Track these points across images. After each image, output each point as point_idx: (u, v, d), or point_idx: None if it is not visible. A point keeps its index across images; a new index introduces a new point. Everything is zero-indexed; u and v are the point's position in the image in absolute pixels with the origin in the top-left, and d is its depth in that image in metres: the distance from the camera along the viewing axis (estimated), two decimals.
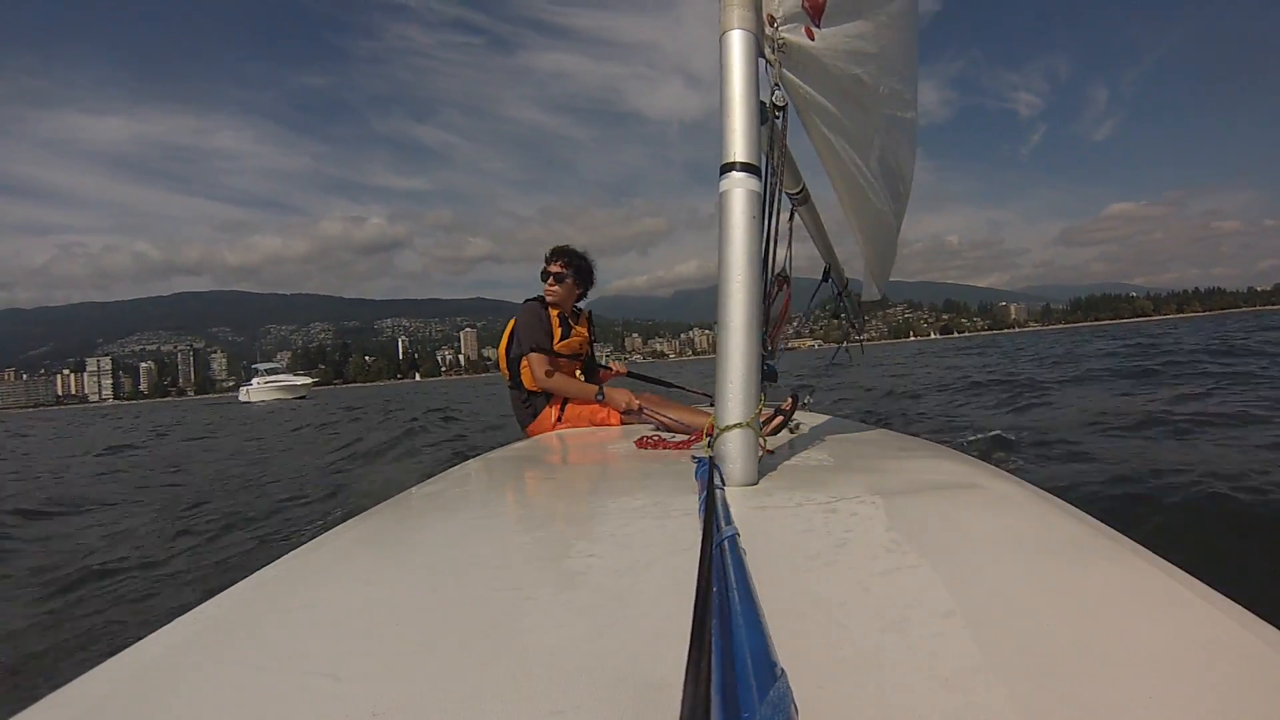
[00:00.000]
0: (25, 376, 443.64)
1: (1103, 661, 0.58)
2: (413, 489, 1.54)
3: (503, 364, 3.84)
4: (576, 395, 3.55)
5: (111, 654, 0.68)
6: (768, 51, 1.48)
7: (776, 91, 1.50)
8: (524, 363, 3.61)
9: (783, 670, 0.51)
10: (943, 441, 3.96)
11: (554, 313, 3.74)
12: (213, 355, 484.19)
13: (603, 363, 4.13)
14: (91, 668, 0.66)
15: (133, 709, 0.59)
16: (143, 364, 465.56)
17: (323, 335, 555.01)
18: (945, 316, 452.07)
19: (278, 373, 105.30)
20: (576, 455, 2.35)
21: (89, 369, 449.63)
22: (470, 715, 0.54)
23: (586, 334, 3.92)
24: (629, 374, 3.97)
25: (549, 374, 3.54)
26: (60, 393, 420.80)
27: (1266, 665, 0.58)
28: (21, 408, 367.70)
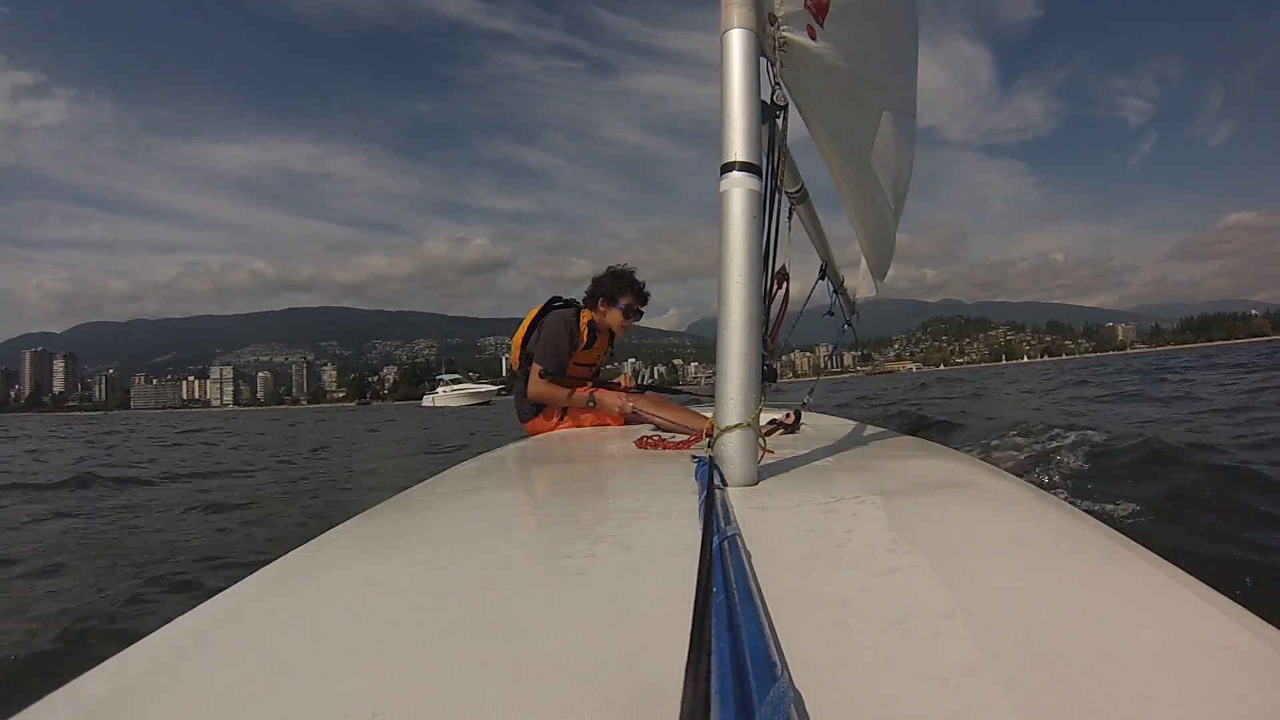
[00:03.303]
0: (155, 381, 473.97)
1: (1102, 661, 0.58)
2: (413, 489, 1.55)
3: (515, 354, 3.84)
4: (570, 405, 3.56)
5: (111, 654, 0.67)
6: (769, 50, 1.49)
7: (777, 91, 1.51)
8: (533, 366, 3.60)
9: (783, 670, 0.52)
10: None
11: (585, 319, 3.73)
12: (323, 368, 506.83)
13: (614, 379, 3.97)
14: (91, 668, 0.65)
15: (133, 709, 0.59)
16: (260, 374, 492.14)
17: (427, 351, 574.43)
18: (1049, 338, 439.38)
19: (460, 383, 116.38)
20: (576, 455, 2.36)
21: (212, 376, 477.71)
22: (470, 715, 0.54)
23: (606, 346, 3.96)
24: (636, 386, 3.86)
25: (544, 391, 3.55)
26: (185, 397, 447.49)
27: (1266, 665, 0.59)
28: (152, 409, 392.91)
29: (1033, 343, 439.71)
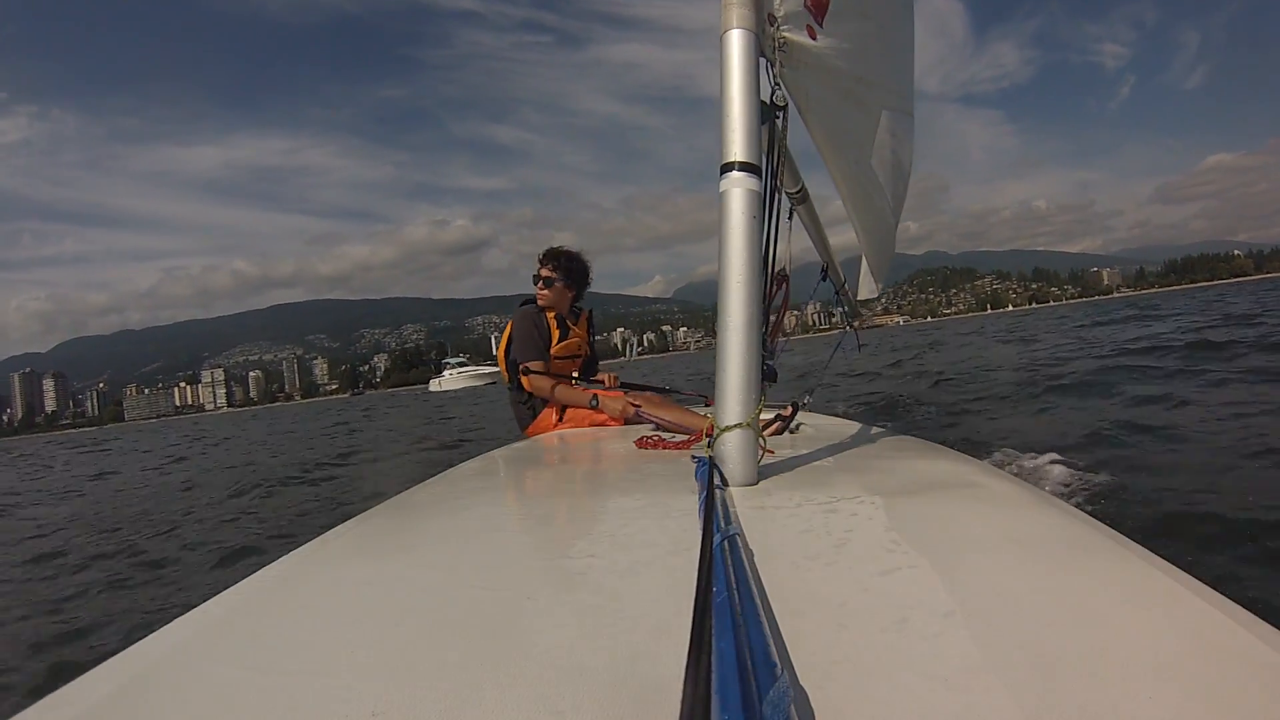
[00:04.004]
0: (146, 391, 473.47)
1: (1102, 661, 0.58)
2: (413, 489, 1.55)
3: (502, 365, 3.84)
4: (572, 404, 3.55)
5: (112, 654, 0.68)
6: (768, 50, 1.48)
7: (777, 91, 1.51)
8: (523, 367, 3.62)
9: (783, 670, 0.51)
10: None
11: (551, 315, 3.74)
12: (313, 362, 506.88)
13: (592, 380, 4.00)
14: (91, 668, 0.66)
15: (133, 709, 0.59)
16: (251, 373, 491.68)
17: (415, 336, 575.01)
18: (1035, 285, 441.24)
19: (465, 365, 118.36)
20: (576, 455, 2.37)
21: (203, 380, 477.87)
22: (470, 715, 0.54)
23: (585, 334, 3.91)
24: (621, 384, 3.83)
25: (549, 387, 3.56)
26: (179, 403, 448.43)
27: (1266, 665, 0.59)
28: (146, 418, 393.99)
29: (1019, 290, 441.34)
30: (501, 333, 3.92)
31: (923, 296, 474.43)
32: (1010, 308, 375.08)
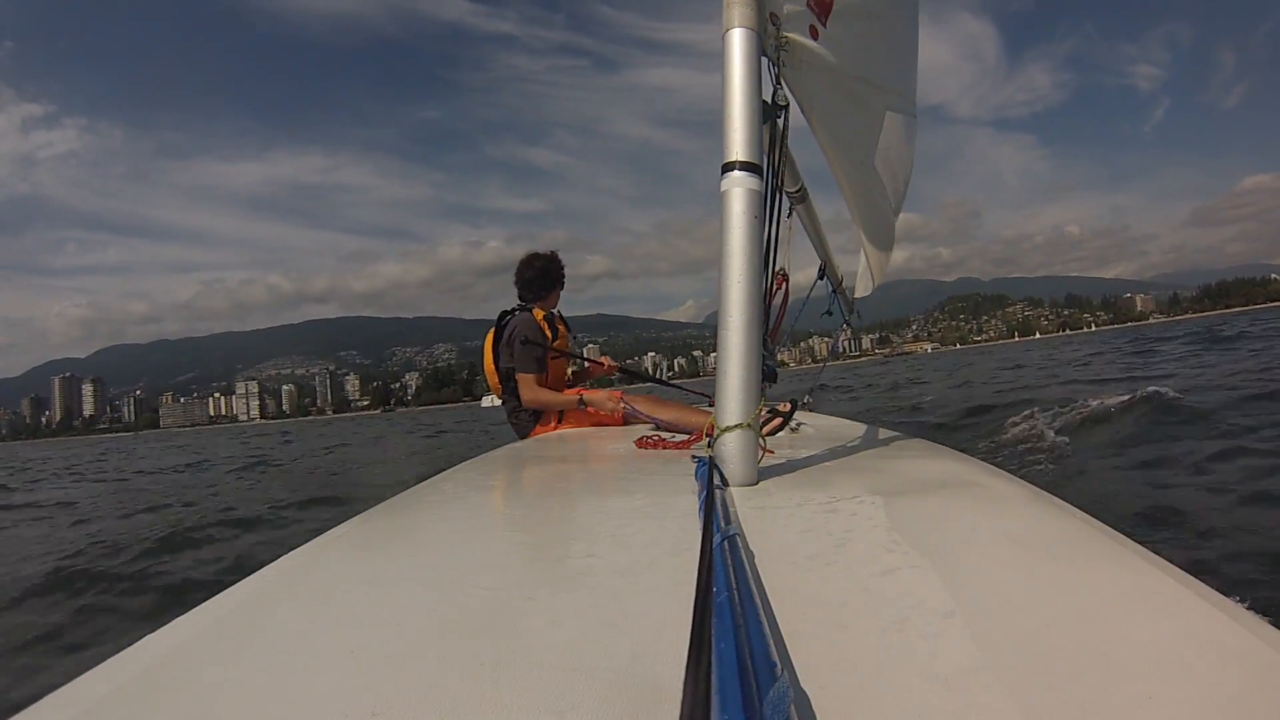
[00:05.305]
0: (182, 400, 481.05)
1: (1102, 661, 0.58)
2: (413, 489, 1.55)
3: (493, 380, 3.83)
4: (563, 406, 3.57)
5: (112, 654, 0.67)
6: (770, 50, 1.47)
7: (778, 90, 1.50)
8: (519, 378, 3.60)
9: (783, 670, 0.51)
10: None
11: (539, 315, 3.74)
12: (345, 377, 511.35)
13: (591, 358, 4.10)
14: (91, 668, 0.65)
15: (133, 709, 0.59)
16: (284, 386, 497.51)
17: (446, 356, 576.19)
18: (1067, 312, 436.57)
19: None
20: (576, 455, 2.37)
21: (238, 392, 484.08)
22: (470, 715, 0.54)
23: (567, 333, 3.94)
24: (620, 369, 3.82)
25: (535, 396, 3.57)
26: (213, 413, 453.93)
27: (1266, 665, 0.59)
28: (181, 427, 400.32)
29: (1051, 317, 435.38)
30: (484, 347, 3.91)
31: (954, 324, 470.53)
32: (1038, 335, 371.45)
